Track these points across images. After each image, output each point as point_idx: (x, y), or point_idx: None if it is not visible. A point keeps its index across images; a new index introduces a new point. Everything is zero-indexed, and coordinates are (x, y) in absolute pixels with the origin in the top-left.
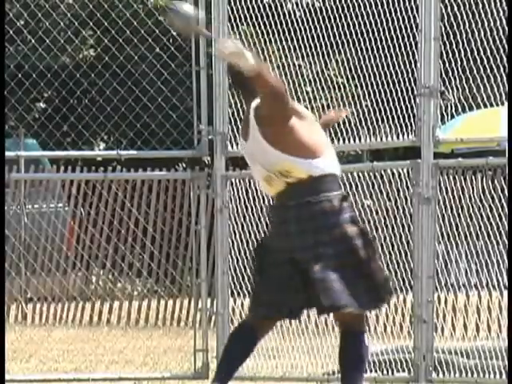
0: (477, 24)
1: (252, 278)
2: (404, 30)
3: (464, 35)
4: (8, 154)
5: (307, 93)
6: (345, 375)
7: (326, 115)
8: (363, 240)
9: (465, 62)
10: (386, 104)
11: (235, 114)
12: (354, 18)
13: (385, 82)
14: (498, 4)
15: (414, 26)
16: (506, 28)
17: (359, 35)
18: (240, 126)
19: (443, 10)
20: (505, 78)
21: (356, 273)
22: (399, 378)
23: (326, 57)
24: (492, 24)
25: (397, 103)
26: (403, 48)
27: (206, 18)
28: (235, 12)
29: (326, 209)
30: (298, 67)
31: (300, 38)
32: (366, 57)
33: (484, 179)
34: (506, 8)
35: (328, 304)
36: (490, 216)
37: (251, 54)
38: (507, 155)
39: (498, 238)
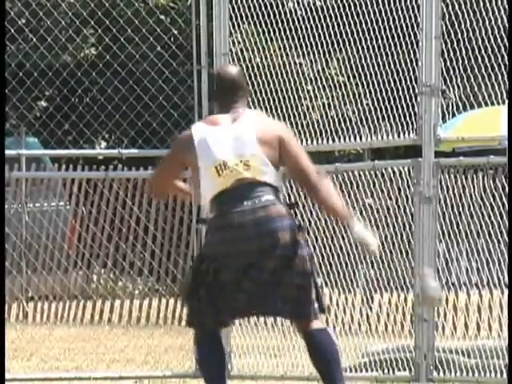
0: (478, 22)
1: (191, 293)
2: (405, 29)
3: (465, 34)
4: (9, 152)
5: (308, 91)
6: (323, 376)
7: None
8: (308, 251)
9: (466, 61)
10: (387, 103)
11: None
12: (355, 17)
13: (386, 81)
14: (499, 2)
15: (415, 24)
16: (507, 26)
17: (360, 34)
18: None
19: (444, 9)
20: (506, 77)
21: (302, 279)
22: (400, 377)
23: (326, 55)
24: (493, 22)
25: (398, 102)
26: (404, 47)
27: (207, 17)
28: (236, 10)
29: (280, 212)
30: (298, 66)
31: (301, 36)
32: (367, 55)
33: (485, 178)
34: (506, 6)
35: (288, 312)
36: (491, 214)
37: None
38: (507, 154)
39: (499, 236)
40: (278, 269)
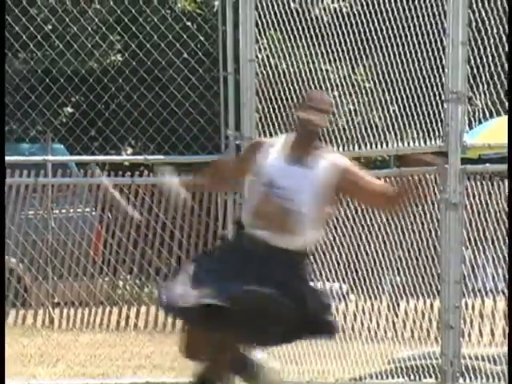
0: (504, 29)
1: None
2: (431, 35)
3: (491, 40)
4: (35, 158)
5: (334, 98)
6: None
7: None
8: None
9: (492, 68)
10: (413, 109)
11: (262, 119)
12: (382, 23)
13: (412, 87)
14: None
15: (441, 31)
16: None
17: (387, 40)
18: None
19: (471, 16)
20: None
21: None
22: None
23: (353, 62)
24: None
25: (424, 108)
26: (431, 53)
27: (233, 23)
28: (262, 17)
29: None
30: (325, 72)
31: (327, 42)
32: (394, 62)
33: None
34: None
35: None
36: None
37: None
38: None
39: None
40: None
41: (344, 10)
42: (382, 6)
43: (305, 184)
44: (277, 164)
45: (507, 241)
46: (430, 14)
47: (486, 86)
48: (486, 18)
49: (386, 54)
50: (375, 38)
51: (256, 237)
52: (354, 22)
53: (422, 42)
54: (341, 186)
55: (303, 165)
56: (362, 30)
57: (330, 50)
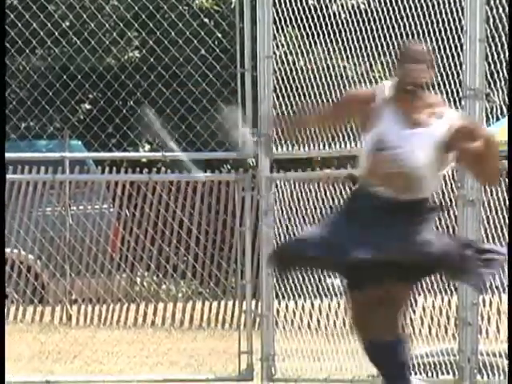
0: None
1: None
2: (449, 32)
3: (509, 37)
4: (53, 155)
5: None
6: None
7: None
8: None
9: (510, 64)
10: None
11: (280, 115)
12: (399, 20)
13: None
14: None
15: (459, 27)
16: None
17: (404, 37)
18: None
19: (488, 12)
20: None
21: None
22: (444, 381)
23: (371, 58)
24: None
25: None
26: (448, 50)
27: (251, 20)
28: (280, 14)
29: None
30: (342, 69)
31: (345, 39)
32: None
33: None
34: None
35: None
36: None
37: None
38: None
39: None
40: None
41: (362, 6)
42: (399, 2)
43: (419, 144)
44: (390, 124)
45: None
46: (448, 10)
47: (503, 83)
48: (503, 15)
49: None
50: (393, 34)
51: (378, 195)
52: (371, 18)
53: (439, 38)
54: (451, 145)
55: (416, 124)
56: (379, 27)
57: (347, 47)
